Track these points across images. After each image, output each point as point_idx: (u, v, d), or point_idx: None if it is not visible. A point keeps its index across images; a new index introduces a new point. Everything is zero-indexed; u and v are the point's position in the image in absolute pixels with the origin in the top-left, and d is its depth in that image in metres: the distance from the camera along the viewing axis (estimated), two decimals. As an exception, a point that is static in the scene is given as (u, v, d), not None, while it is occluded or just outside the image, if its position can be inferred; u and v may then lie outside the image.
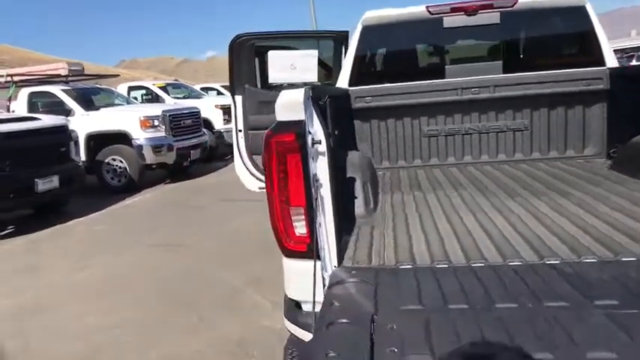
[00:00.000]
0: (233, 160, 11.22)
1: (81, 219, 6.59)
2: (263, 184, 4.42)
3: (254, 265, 4.19)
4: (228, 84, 14.63)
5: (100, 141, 8.26)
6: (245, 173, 4.49)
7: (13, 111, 8.72)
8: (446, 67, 3.38)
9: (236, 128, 4.42)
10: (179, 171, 9.18)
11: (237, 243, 4.94)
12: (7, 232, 6.16)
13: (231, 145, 11.76)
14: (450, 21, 3.23)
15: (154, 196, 7.72)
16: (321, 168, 1.78)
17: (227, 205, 6.58)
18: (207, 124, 10.69)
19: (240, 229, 5.39)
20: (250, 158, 4.42)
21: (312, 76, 4.42)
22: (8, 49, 47.23)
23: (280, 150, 1.72)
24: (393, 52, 3.64)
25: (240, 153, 4.44)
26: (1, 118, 6.43)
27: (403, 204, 2.48)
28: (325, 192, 1.77)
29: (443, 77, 3.30)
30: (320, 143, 1.78)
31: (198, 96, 12.52)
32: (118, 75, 14.80)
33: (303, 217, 1.72)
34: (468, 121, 3.26)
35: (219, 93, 14.71)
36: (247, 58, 4.20)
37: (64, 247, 5.33)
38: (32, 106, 8.58)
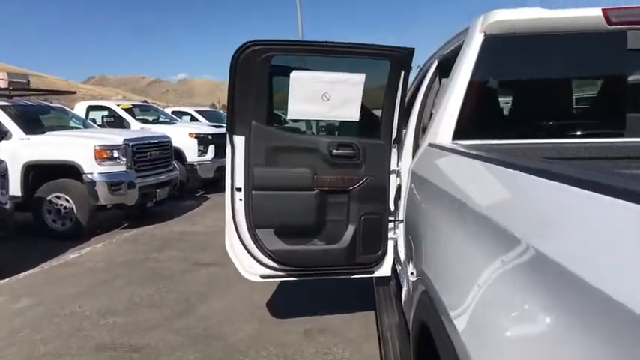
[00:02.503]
0: (206, 199, 9.55)
1: (1, 283, 4.83)
2: (268, 271, 2.89)
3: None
4: (203, 108, 12.84)
5: (41, 173, 6.53)
6: (242, 255, 2.94)
7: None
8: (627, 115, 2.02)
9: (232, 185, 2.90)
10: (140, 212, 7.51)
11: (222, 345, 3.35)
12: None
13: (204, 180, 10.13)
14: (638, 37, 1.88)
15: (106, 250, 5.99)
16: None
17: (201, 273, 4.96)
18: (178, 154, 9.09)
19: (222, 319, 3.80)
20: (252, 233, 2.89)
21: (353, 112, 2.98)
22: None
23: None
24: (534, 84, 2.25)
25: (235, 224, 2.91)
26: None
27: None
28: None
29: (620, 133, 1.95)
30: None
31: (169, 121, 10.90)
32: (74, 92, 12.99)
33: None
34: None
35: (193, 118, 13.12)
36: (258, 80, 2.73)
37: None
38: (-45, 126, 6.78)
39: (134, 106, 10.93)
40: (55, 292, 4.52)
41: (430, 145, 2.05)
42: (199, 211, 8.44)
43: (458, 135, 1.97)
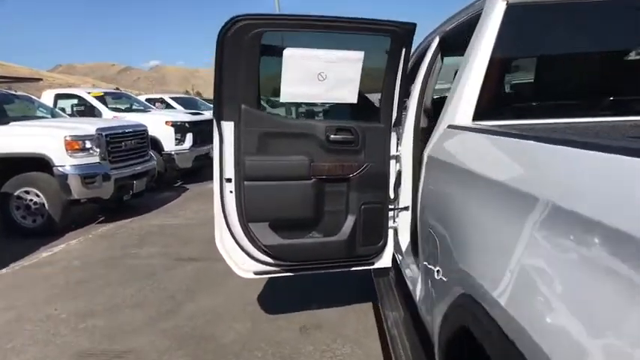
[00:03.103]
0: (185, 189, 9.19)
1: (-35, 286, 4.48)
2: (262, 267, 2.67)
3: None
4: (179, 95, 12.31)
5: (7, 167, 6.09)
6: (234, 250, 2.71)
7: None
8: None
9: (221, 175, 2.66)
10: (116, 205, 7.15)
11: (213, 346, 3.13)
12: None
13: (182, 170, 9.72)
14: None
15: (82, 247, 5.65)
16: None
17: (186, 269, 4.71)
18: (155, 143, 8.72)
19: (211, 318, 3.57)
20: (244, 227, 2.66)
21: (350, 93, 2.76)
22: None
23: None
24: (561, 59, 2.07)
25: (226, 217, 2.67)
26: None
27: None
28: None
29: None
30: None
31: (144, 109, 10.45)
32: (40, 79, 12.33)
33: None
34: None
35: (168, 106, 12.66)
36: (248, 59, 2.48)
37: None
38: None
39: (106, 93, 10.42)
40: (26, 295, 4.20)
41: (450, 126, 1.85)
42: (178, 202, 8.12)
43: (478, 116, 1.78)
